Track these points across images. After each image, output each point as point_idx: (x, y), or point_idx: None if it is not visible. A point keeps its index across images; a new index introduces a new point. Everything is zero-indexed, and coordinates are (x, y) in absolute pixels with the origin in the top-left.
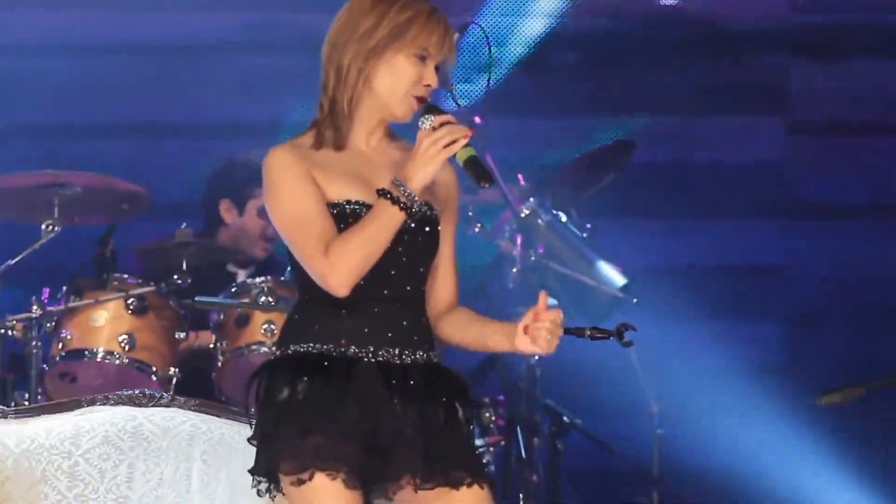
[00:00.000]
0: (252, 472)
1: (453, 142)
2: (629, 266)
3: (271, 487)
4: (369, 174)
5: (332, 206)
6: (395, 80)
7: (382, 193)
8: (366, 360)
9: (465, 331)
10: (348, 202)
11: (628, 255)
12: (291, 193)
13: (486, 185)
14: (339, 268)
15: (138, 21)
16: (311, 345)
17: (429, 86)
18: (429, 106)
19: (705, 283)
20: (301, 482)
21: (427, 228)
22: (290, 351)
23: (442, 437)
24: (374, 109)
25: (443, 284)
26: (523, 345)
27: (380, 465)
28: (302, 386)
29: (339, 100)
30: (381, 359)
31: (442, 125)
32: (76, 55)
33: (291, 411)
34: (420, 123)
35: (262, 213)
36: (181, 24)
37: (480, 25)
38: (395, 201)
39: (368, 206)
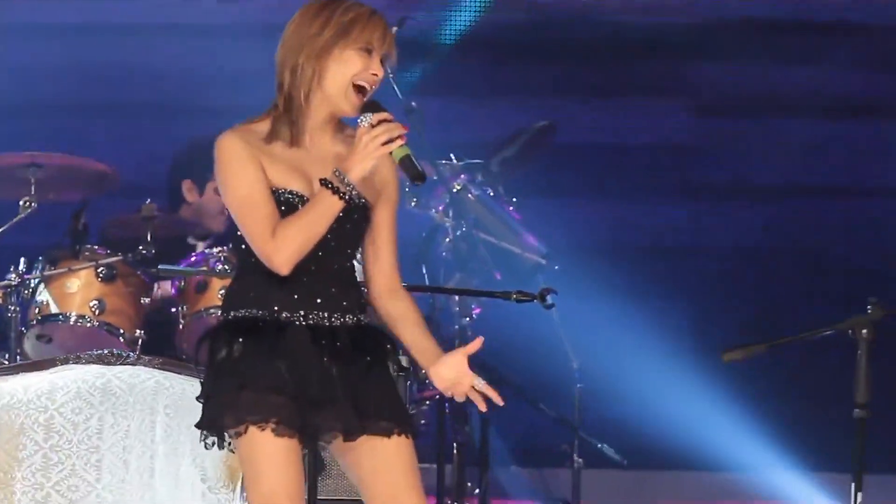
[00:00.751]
0: (197, 426)
1: (390, 140)
2: (550, 236)
3: (217, 441)
4: (309, 168)
5: (271, 191)
6: (344, 72)
7: (324, 183)
8: (297, 323)
9: (401, 331)
10: (285, 190)
11: (549, 227)
12: (241, 178)
13: (419, 183)
14: (283, 249)
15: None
16: (247, 310)
17: (375, 74)
18: (368, 103)
19: (620, 252)
20: (238, 435)
21: (355, 216)
22: (229, 317)
23: (369, 391)
24: (323, 106)
25: (381, 266)
26: (437, 378)
27: (310, 417)
28: (237, 346)
29: (295, 96)
30: (311, 321)
31: (380, 122)
32: (53, 35)
33: (228, 370)
34: (359, 121)
35: (219, 192)
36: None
37: (416, 18)
38: (335, 191)
39: (301, 196)
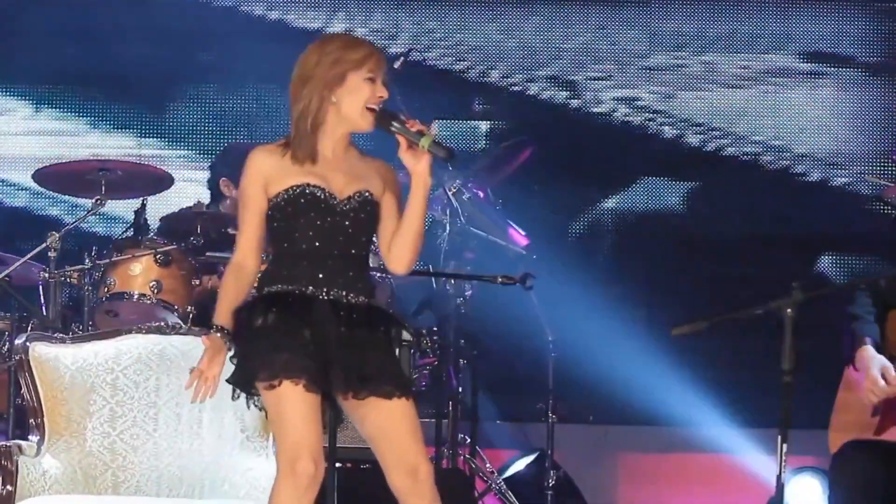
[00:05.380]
0: (229, 381)
1: (420, 134)
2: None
3: (246, 395)
4: (325, 173)
5: (295, 186)
6: (357, 98)
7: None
8: (321, 297)
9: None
10: (307, 185)
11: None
12: (243, 188)
13: (451, 160)
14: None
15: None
16: (280, 286)
17: (381, 97)
18: (383, 115)
19: (588, 245)
20: (272, 387)
21: (368, 208)
22: (264, 291)
23: (376, 359)
24: (339, 125)
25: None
26: None
27: (326, 378)
28: (272, 316)
29: (301, 124)
30: (332, 297)
31: (402, 123)
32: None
33: (264, 335)
34: (394, 132)
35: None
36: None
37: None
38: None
39: (323, 189)
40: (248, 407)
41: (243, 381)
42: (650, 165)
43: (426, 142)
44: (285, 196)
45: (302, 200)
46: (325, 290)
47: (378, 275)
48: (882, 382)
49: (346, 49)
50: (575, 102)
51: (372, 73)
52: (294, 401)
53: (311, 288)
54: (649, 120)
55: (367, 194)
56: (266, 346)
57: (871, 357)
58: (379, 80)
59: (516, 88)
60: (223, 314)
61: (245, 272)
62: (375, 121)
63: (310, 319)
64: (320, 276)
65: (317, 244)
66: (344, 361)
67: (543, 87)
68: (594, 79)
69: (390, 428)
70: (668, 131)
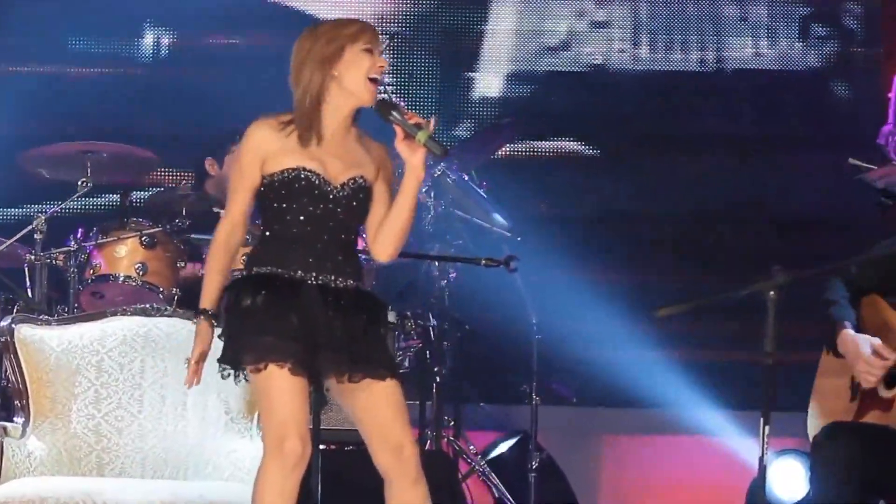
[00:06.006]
0: (219, 360)
1: (418, 128)
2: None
3: (234, 373)
4: (322, 156)
5: (290, 169)
6: (358, 69)
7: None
8: (310, 281)
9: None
10: (303, 169)
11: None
12: (239, 160)
13: (445, 157)
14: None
15: None
16: (269, 268)
17: (382, 66)
18: (382, 104)
19: (572, 228)
20: (258, 370)
21: (361, 195)
22: (253, 272)
23: (364, 342)
24: (344, 101)
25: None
26: None
27: (315, 360)
28: (260, 298)
29: (302, 102)
30: (321, 281)
31: (404, 131)
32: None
33: (252, 316)
34: (392, 121)
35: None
36: None
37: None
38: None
39: (317, 174)
40: (237, 384)
41: (231, 361)
42: (636, 148)
43: (423, 136)
44: (280, 177)
45: (296, 185)
46: (313, 274)
47: (363, 257)
48: (876, 359)
49: (338, 26)
50: (562, 83)
51: (369, 45)
52: (280, 382)
53: (300, 272)
54: (635, 101)
55: (361, 181)
56: (253, 327)
57: (855, 338)
58: (376, 52)
59: (506, 69)
60: (209, 296)
61: (231, 245)
62: (376, 107)
63: (297, 303)
64: (310, 260)
65: (308, 229)
66: (333, 346)
67: (530, 67)
68: (586, 56)
69: (376, 408)
70: (656, 113)
